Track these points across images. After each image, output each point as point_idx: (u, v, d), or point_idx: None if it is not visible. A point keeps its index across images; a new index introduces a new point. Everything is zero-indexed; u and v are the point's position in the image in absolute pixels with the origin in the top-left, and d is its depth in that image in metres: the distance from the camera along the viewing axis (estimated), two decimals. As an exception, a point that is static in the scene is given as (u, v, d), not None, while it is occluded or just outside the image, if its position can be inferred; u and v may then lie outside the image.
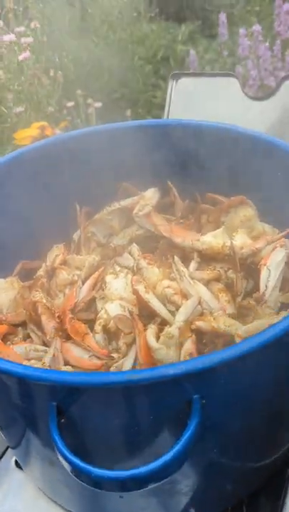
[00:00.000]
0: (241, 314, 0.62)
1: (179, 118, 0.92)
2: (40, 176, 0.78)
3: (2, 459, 0.69)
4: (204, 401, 0.41)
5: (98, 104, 2.26)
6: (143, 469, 0.37)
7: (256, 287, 0.63)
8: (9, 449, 0.69)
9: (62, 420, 0.43)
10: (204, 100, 0.91)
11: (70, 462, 0.38)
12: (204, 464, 0.50)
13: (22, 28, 1.74)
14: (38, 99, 1.72)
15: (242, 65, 2.21)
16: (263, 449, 0.54)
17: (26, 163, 0.76)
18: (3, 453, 0.69)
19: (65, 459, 0.38)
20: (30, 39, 1.60)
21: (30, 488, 0.66)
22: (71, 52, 2.74)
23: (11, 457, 0.69)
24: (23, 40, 1.58)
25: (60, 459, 0.39)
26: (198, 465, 0.49)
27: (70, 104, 2.22)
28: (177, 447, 0.38)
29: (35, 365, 0.55)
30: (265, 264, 0.57)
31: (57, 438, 0.39)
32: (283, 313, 0.56)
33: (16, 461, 0.68)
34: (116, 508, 0.56)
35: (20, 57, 1.55)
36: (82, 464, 0.38)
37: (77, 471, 0.38)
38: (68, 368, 0.54)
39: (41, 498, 0.64)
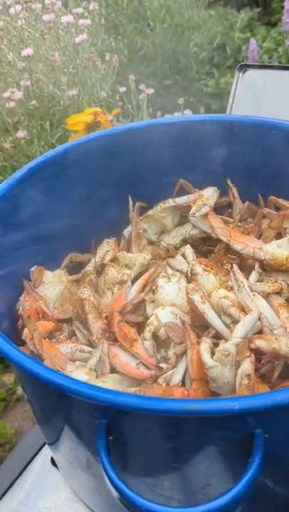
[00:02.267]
0: (302, 333, 0.58)
1: (243, 113, 0.87)
2: (94, 168, 0.75)
3: (38, 455, 0.68)
4: (267, 435, 0.38)
5: (150, 91, 2.21)
6: (200, 509, 0.34)
7: None
8: (46, 446, 0.68)
9: (111, 438, 0.40)
10: (272, 95, 0.85)
11: (119, 490, 0.35)
12: (259, 496, 0.46)
13: (80, 10, 1.71)
14: (91, 83, 1.69)
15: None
16: None
17: (81, 154, 0.73)
18: (40, 449, 0.68)
19: (115, 486, 0.35)
20: (87, 21, 1.56)
21: (64, 489, 0.64)
22: (126, 36, 2.69)
23: (47, 454, 0.67)
24: (80, 22, 1.55)
25: (108, 483, 0.36)
26: (254, 499, 0.46)
27: (122, 89, 2.18)
28: (238, 488, 0.35)
29: (83, 369, 0.53)
30: None
31: (106, 462, 0.36)
32: None
33: (53, 459, 0.67)
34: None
35: (77, 40, 1.51)
36: (132, 494, 0.35)
37: (125, 501, 0.35)
38: (113, 378, 0.51)
39: (76, 502, 0.63)
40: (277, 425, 0.38)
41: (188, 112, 2.17)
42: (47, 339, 0.59)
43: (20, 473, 0.65)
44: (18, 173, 0.67)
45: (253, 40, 2.06)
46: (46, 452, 0.67)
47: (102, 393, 0.35)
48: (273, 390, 0.35)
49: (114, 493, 0.37)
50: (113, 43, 1.84)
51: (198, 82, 2.90)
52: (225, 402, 0.34)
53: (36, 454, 0.67)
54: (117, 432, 0.40)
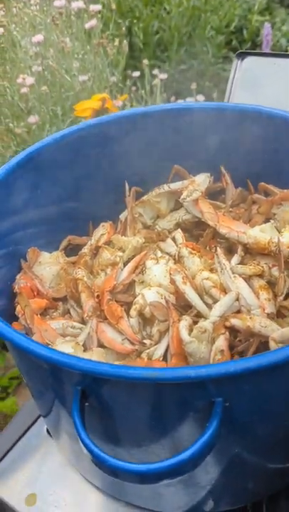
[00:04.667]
0: (281, 314, 0.60)
1: (240, 101, 0.89)
2: (91, 154, 0.78)
3: (35, 425, 0.72)
4: (228, 404, 0.41)
5: (164, 76, 2.21)
6: (159, 465, 0.38)
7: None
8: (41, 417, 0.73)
9: (87, 404, 0.44)
10: (271, 83, 0.86)
11: (90, 450, 0.39)
12: (225, 462, 0.50)
13: (93, -5, 1.72)
14: (102, 68, 1.70)
15: None
16: (287, 454, 0.53)
17: (79, 140, 0.76)
18: (36, 420, 0.73)
19: (86, 446, 0.39)
20: (98, 6, 1.57)
21: (58, 456, 0.69)
22: (142, 20, 2.68)
23: (43, 425, 0.72)
24: (91, 7, 1.56)
25: (81, 445, 0.40)
26: (219, 463, 0.49)
27: (136, 74, 2.19)
28: (194, 448, 0.38)
29: (70, 343, 0.57)
30: (310, 268, 0.54)
31: (78, 424, 0.40)
32: None
33: (48, 429, 0.71)
34: (135, 489, 0.57)
35: (87, 26, 1.53)
36: (101, 454, 0.39)
37: (96, 460, 0.39)
38: (98, 351, 0.55)
39: (67, 466, 0.67)
40: (237, 394, 0.41)
41: (200, 98, 2.16)
42: (39, 315, 0.63)
43: (17, 442, 0.70)
44: (17, 158, 0.71)
45: (267, 25, 2.03)
46: (41, 423, 0.72)
47: (72, 360, 0.39)
48: (230, 360, 0.38)
49: (87, 454, 0.40)
50: (123, 29, 1.84)
51: (214, 66, 2.88)
52: (182, 369, 0.37)
53: (33, 424, 0.72)
54: (93, 398, 0.44)
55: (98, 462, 0.40)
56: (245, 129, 0.76)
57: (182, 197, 0.72)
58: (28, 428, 0.72)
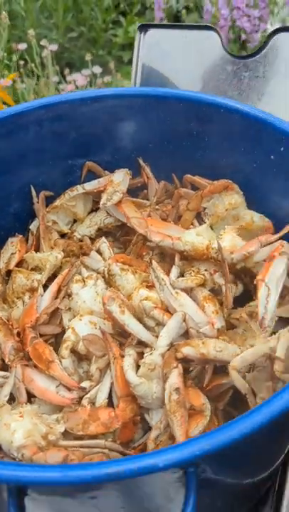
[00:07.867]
0: (230, 324, 0.54)
1: (148, 80, 0.79)
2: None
3: None
4: (200, 469, 0.34)
5: (54, 47, 2.03)
6: None
7: (246, 293, 0.56)
8: None
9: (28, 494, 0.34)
10: (178, 57, 0.78)
11: None
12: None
13: None
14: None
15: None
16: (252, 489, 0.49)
17: None
18: None
19: None
20: None
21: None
22: (20, -15, 2.43)
23: None
24: None
25: None
26: None
27: (22, 46, 1.99)
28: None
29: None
30: (263, 280, 0.48)
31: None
32: (282, 334, 0.47)
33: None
34: None
35: None
36: None
37: None
38: (29, 412, 0.45)
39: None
40: (209, 461, 0.35)
41: (98, 69, 2.03)
42: None
43: None
44: None
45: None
46: None
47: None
48: (203, 435, 0.31)
49: None
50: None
51: (105, 32, 2.73)
52: (148, 459, 0.29)
53: None
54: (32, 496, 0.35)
55: None
56: (160, 116, 0.67)
57: (102, 201, 0.63)
58: None
